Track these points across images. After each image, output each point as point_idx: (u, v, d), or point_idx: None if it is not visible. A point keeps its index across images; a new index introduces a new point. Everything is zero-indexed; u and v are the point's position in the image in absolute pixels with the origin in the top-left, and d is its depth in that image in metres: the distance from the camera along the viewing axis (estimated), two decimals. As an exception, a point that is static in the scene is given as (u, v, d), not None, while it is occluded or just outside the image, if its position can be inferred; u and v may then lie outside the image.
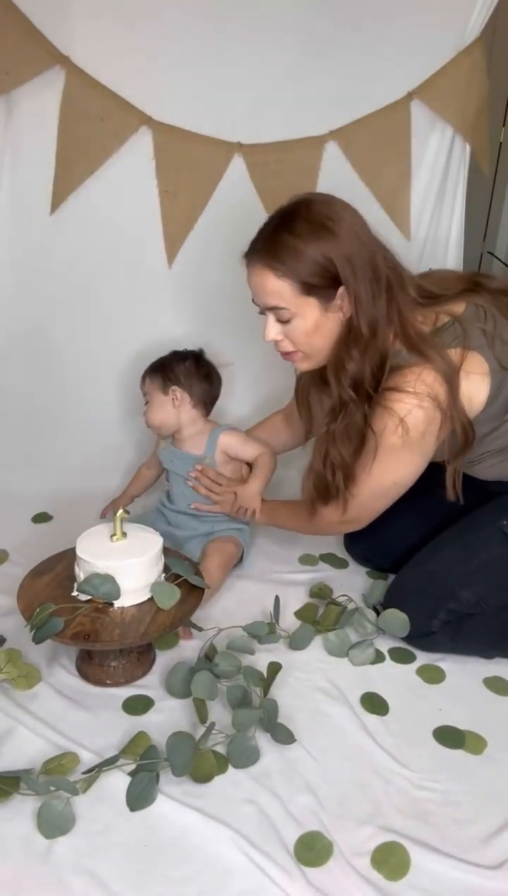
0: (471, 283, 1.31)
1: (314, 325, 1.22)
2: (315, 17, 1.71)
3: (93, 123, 1.71)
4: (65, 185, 1.77)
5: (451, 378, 1.19)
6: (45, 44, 1.63)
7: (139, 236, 1.86)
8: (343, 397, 1.24)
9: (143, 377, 1.58)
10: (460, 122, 1.82)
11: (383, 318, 1.20)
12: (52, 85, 1.67)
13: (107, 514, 1.69)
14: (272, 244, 1.19)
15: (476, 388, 1.22)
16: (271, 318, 1.24)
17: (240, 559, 1.56)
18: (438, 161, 1.87)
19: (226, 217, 1.82)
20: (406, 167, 1.87)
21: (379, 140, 1.82)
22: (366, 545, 1.57)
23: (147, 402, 1.57)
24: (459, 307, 1.25)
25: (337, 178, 1.82)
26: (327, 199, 1.22)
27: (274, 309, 1.22)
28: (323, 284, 1.18)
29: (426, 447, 1.23)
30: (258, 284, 1.22)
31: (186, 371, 1.55)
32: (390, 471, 1.26)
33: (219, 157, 1.79)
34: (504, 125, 2.57)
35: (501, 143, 2.57)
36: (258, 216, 1.77)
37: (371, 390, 1.23)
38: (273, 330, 1.25)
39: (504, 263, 2.61)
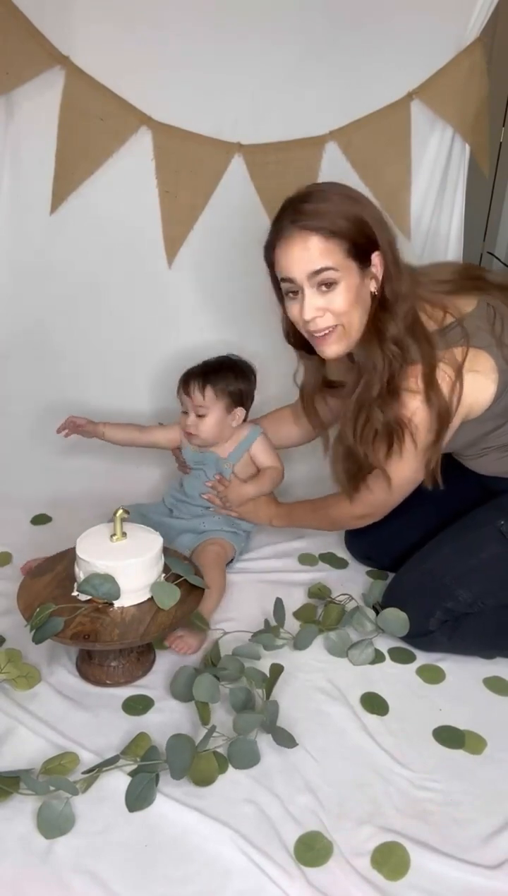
0: (467, 271, 1.33)
1: (355, 293, 1.20)
2: (315, 18, 1.71)
3: (93, 123, 1.71)
4: (64, 185, 1.77)
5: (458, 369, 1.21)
6: (45, 44, 1.63)
7: (139, 236, 1.86)
8: (384, 355, 1.21)
9: (202, 389, 1.51)
10: (460, 122, 1.82)
11: (408, 294, 1.22)
12: (51, 85, 1.67)
13: (71, 423, 1.62)
14: (313, 212, 1.18)
15: (481, 386, 1.22)
16: (310, 292, 1.20)
17: (231, 560, 1.56)
18: (438, 161, 1.87)
19: (226, 217, 1.82)
20: (406, 167, 1.86)
21: (379, 140, 1.82)
22: (367, 542, 1.58)
23: (201, 415, 1.53)
24: (469, 304, 1.26)
25: (337, 178, 1.79)
26: (340, 182, 1.26)
27: (321, 272, 1.18)
28: (363, 246, 1.18)
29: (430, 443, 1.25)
30: (300, 252, 1.18)
31: (250, 391, 1.57)
32: (418, 463, 1.27)
33: (219, 158, 1.79)
34: (503, 125, 2.57)
35: (501, 143, 2.57)
36: (258, 216, 1.79)
37: (408, 352, 1.21)
38: (313, 304, 1.20)
39: (504, 263, 2.61)
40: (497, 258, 2.66)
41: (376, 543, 1.55)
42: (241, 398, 1.56)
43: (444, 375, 1.20)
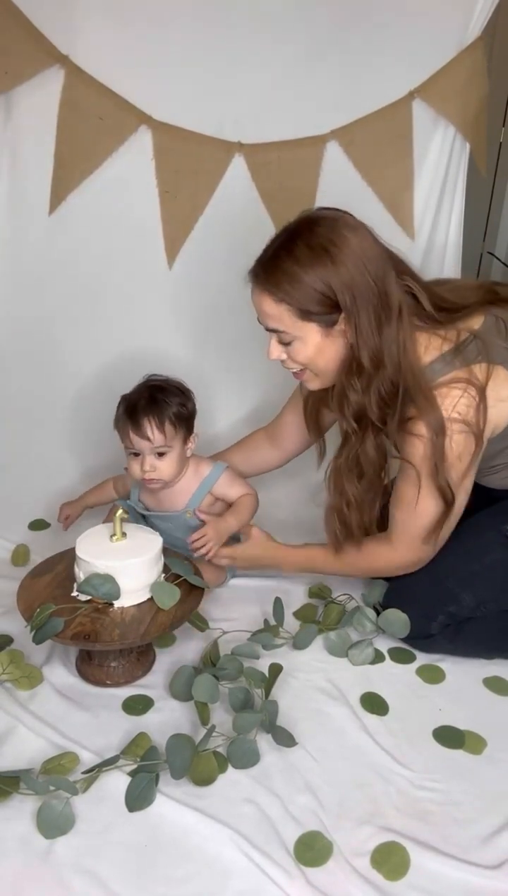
0: (489, 292, 1.28)
1: (315, 349, 1.20)
2: (316, 17, 1.71)
3: (93, 123, 1.71)
4: (64, 184, 1.76)
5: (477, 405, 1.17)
6: (45, 43, 1.63)
7: (139, 236, 1.85)
8: (345, 428, 1.23)
9: (161, 426, 1.33)
10: (461, 121, 1.82)
11: (392, 346, 1.16)
12: (51, 84, 1.67)
13: (62, 517, 1.56)
14: (271, 268, 1.17)
15: (503, 403, 1.21)
16: (274, 338, 1.23)
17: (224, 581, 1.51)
18: (440, 161, 1.87)
19: (226, 217, 1.82)
20: (408, 166, 1.86)
21: (380, 139, 1.81)
22: None
23: (161, 454, 1.36)
24: (477, 320, 1.23)
25: (338, 177, 1.82)
26: (333, 219, 1.16)
27: (273, 331, 1.21)
28: (323, 311, 1.15)
29: (465, 468, 1.22)
30: (258, 306, 1.21)
31: (194, 410, 1.40)
32: (437, 499, 1.22)
33: (220, 157, 1.78)
34: (503, 125, 2.57)
35: (501, 142, 2.57)
36: (258, 216, 1.79)
37: (377, 422, 1.20)
38: (275, 350, 1.24)
39: (504, 263, 2.61)
40: (497, 258, 2.65)
41: None
42: (191, 421, 1.40)
43: (469, 397, 1.17)
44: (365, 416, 1.20)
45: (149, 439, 1.34)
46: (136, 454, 1.37)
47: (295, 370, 1.27)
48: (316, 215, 1.19)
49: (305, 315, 1.16)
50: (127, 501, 1.49)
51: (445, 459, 1.19)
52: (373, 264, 1.14)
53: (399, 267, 1.20)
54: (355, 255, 1.13)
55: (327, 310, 1.15)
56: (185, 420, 1.37)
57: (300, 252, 1.14)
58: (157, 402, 1.34)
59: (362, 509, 1.28)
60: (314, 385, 1.28)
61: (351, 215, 1.19)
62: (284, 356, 1.24)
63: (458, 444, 1.19)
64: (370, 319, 1.14)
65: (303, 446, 1.56)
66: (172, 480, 1.40)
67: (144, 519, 1.51)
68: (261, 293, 1.19)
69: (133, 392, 1.40)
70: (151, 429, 1.33)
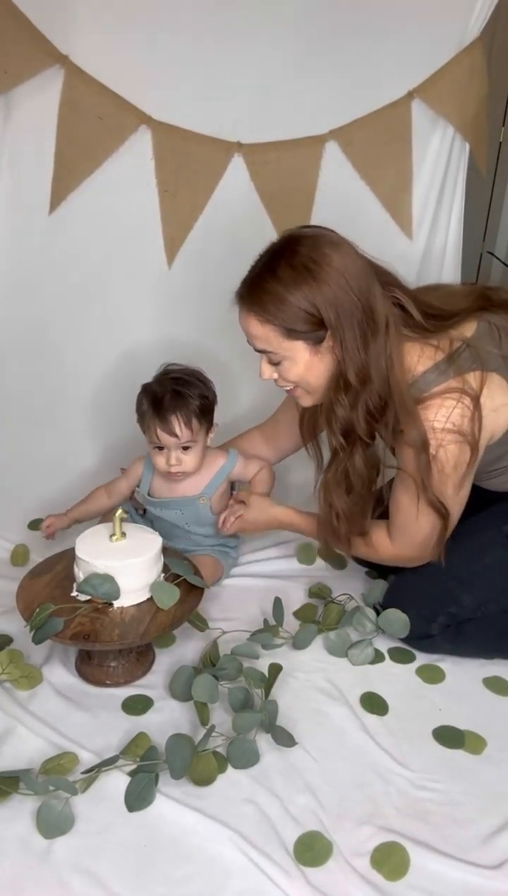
0: (480, 297, 1.28)
1: (305, 367, 1.20)
2: (315, 17, 1.70)
3: (93, 123, 1.71)
4: (64, 184, 1.76)
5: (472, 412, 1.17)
6: (45, 43, 1.62)
7: (139, 236, 1.85)
8: (333, 444, 1.24)
9: (188, 422, 1.35)
10: (460, 121, 1.82)
11: (380, 360, 1.16)
12: (51, 84, 1.67)
13: (46, 527, 1.53)
14: (255, 290, 1.17)
15: (499, 410, 1.21)
16: (264, 358, 1.24)
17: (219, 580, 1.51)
18: (439, 161, 1.87)
19: (226, 217, 1.82)
20: (407, 167, 1.86)
21: (379, 139, 1.81)
22: None
23: (186, 448, 1.38)
24: (470, 327, 1.23)
25: (337, 177, 1.82)
26: (315, 237, 1.17)
27: (262, 351, 1.22)
28: (309, 329, 1.16)
29: (461, 478, 1.22)
30: (245, 329, 1.22)
31: (215, 399, 1.42)
32: (432, 513, 1.23)
33: (219, 157, 1.78)
34: (503, 125, 2.57)
35: (501, 142, 2.57)
36: (258, 216, 1.79)
37: (366, 437, 1.21)
38: (266, 370, 1.25)
39: (504, 263, 2.61)
40: (497, 258, 2.65)
41: None
42: (212, 412, 1.42)
43: (463, 407, 1.17)
44: (353, 431, 1.21)
45: (176, 436, 1.35)
46: (160, 447, 1.38)
47: (287, 388, 1.28)
48: (298, 234, 1.19)
49: (291, 334, 1.17)
50: (139, 491, 1.50)
51: (434, 473, 1.18)
52: (356, 280, 1.14)
53: (384, 279, 1.19)
54: (337, 272, 1.13)
55: (313, 328, 1.16)
56: (208, 413, 1.40)
57: (283, 272, 1.14)
58: (183, 397, 1.35)
59: (352, 521, 1.30)
60: (306, 402, 1.29)
61: (333, 232, 1.20)
62: (275, 375, 1.25)
63: (453, 455, 1.19)
64: (355, 335, 1.15)
65: (298, 445, 1.55)
66: (194, 472, 1.42)
67: (143, 517, 1.51)
68: (247, 315, 1.20)
69: (155, 384, 1.40)
70: (179, 426, 1.34)
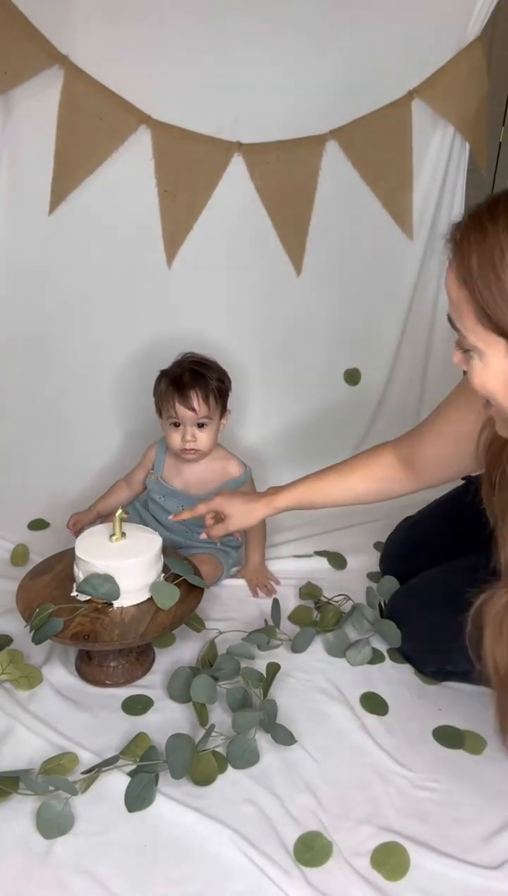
0: None
1: (494, 376, 0.82)
2: (315, 16, 1.71)
3: (92, 123, 1.71)
4: (63, 184, 1.76)
5: None
6: (44, 43, 1.63)
7: (138, 236, 1.85)
8: None
9: (206, 398, 1.41)
10: (460, 120, 1.82)
11: None
12: (50, 84, 1.67)
13: (72, 524, 1.56)
14: (472, 232, 0.79)
15: None
16: (456, 338, 0.87)
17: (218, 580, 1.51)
18: (439, 160, 1.87)
19: (225, 217, 1.82)
20: (407, 166, 1.86)
21: (380, 139, 1.81)
22: (407, 569, 1.40)
23: (201, 426, 1.43)
24: None
25: (337, 177, 1.82)
26: None
27: (454, 326, 0.85)
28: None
29: None
30: (445, 283, 0.85)
31: (231, 387, 1.47)
32: None
33: (219, 157, 1.78)
34: (503, 125, 2.57)
35: (501, 142, 2.57)
36: (258, 216, 1.79)
37: None
38: (456, 354, 0.88)
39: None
40: (497, 258, 2.65)
41: (415, 572, 1.36)
42: (227, 397, 1.48)
43: None
44: None
45: (194, 410, 1.42)
46: (177, 424, 1.44)
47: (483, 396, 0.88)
48: None
49: (488, 321, 0.79)
50: (153, 472, 1.54)
51: None
52: None
53: None
54: None
55: None
56: (224, 395, 1.46)
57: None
58: (202, 376, 1.43)
59: None
60: (502, 430, 0.91)
61: None
62: (465, 367, 0.87)
63: None
64: None
65: (457, 474, 1.20)
66: (207, 453, 1.47)
67: (148, 508, 1.53)
68: (450, 265, 0.83)
69: (175, 367, 1.47)
70: (197, 399, 1.41)
